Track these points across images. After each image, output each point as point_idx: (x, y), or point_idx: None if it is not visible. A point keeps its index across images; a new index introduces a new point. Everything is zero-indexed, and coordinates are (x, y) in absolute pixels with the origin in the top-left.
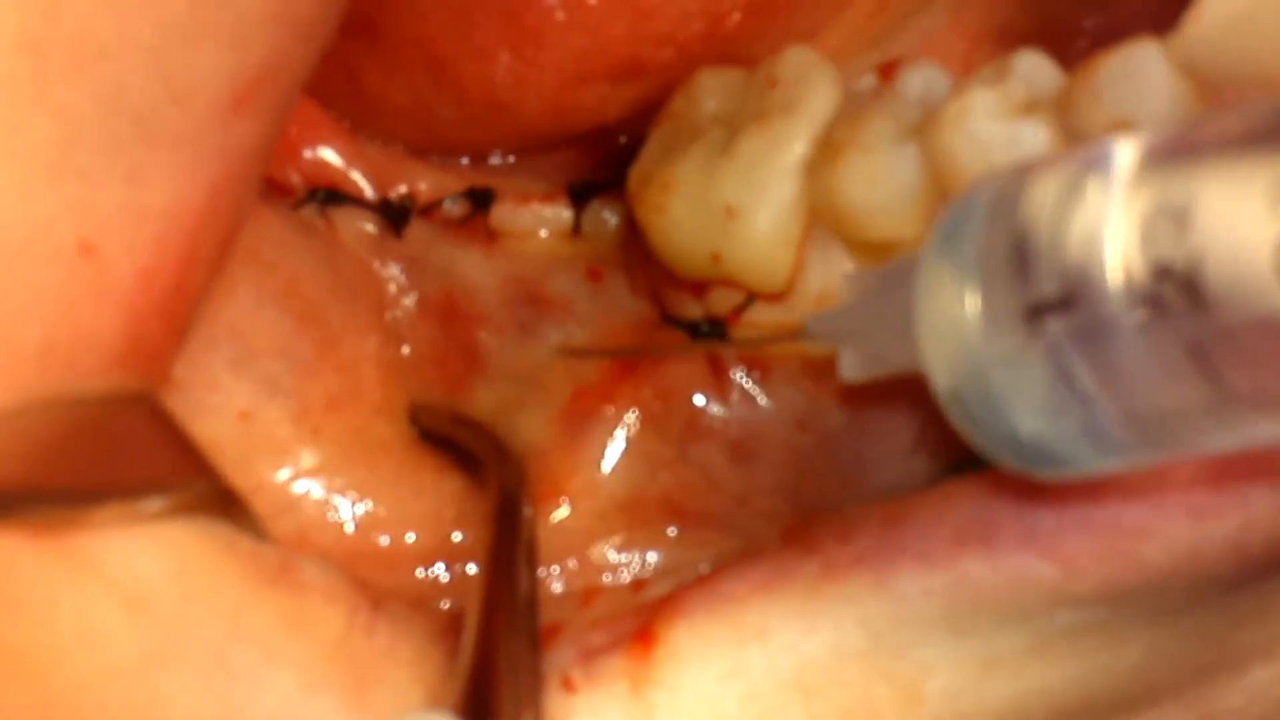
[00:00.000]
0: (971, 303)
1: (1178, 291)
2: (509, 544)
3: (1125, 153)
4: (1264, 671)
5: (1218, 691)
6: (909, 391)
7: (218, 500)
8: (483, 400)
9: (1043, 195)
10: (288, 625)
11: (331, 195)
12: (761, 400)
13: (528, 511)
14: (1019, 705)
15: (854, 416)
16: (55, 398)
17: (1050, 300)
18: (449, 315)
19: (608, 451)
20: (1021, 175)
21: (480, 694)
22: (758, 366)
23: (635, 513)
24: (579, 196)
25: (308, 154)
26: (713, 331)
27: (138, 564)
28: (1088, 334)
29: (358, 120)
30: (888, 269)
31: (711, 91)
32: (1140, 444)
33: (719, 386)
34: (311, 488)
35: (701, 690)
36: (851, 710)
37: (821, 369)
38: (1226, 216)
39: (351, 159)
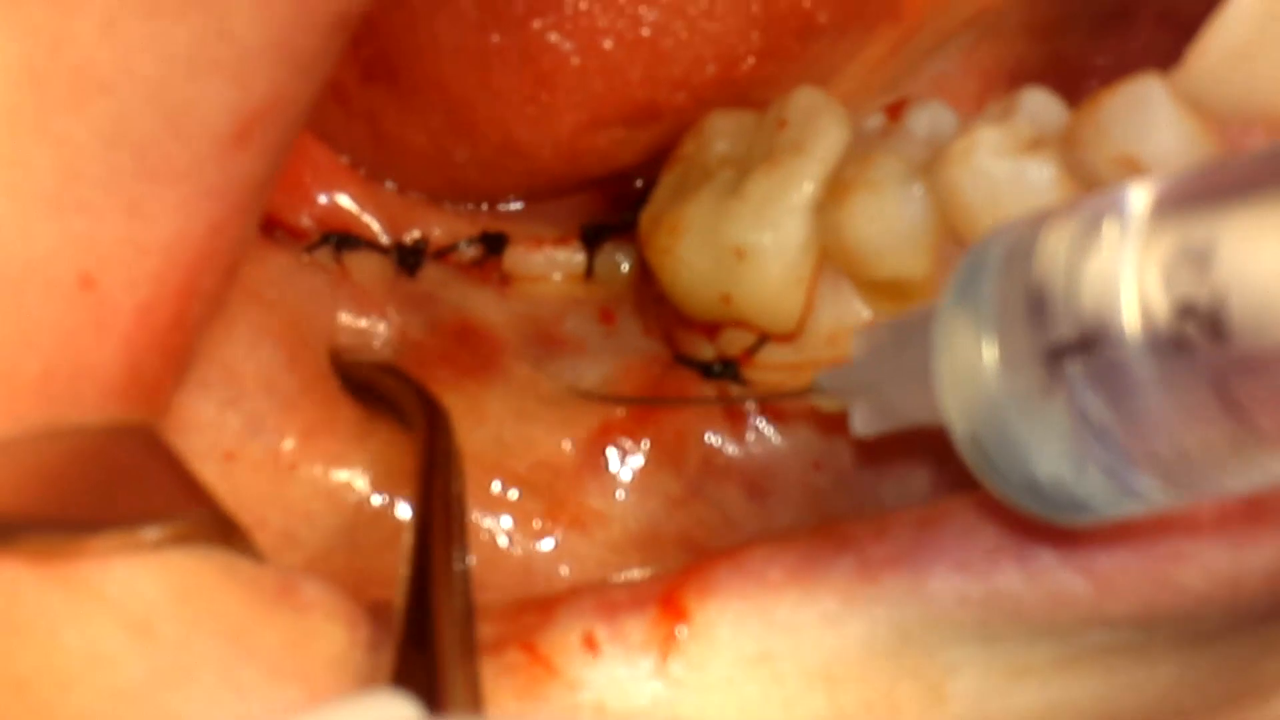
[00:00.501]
0: (989, 349)
1: (1201, 329)
2: (440, 502)
3: (1140, 195)
4: None
5: (1246, 716)
6: (925, 434)
7: (216, 528)
8: (494, 404)
9: (1058, 241)
10: (291, 644)
11: (345, 240)
12: (776, 440)
13: (458, 467)
14: (1045, 715)
15: (870, 456)
16: (54, 428)
17: (1068, 343)
18: (465, 334)
19: (623, 485)
20: (1037, 222)
21: (415, 653)
22: (772, 407)
23: (650, 548)
24: (591, 240)
25: (322, 199)
26: (725, 372)
27: (141, 588)
28: (1107, 376)
29: (375, 165)
30: (899, 323)
31: (722, 133)
32: (1164, 487)
33: (734, 426)
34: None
35: (727, 671)
36: (874, 704)
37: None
38: (1250, 252)
39: (365, 204)
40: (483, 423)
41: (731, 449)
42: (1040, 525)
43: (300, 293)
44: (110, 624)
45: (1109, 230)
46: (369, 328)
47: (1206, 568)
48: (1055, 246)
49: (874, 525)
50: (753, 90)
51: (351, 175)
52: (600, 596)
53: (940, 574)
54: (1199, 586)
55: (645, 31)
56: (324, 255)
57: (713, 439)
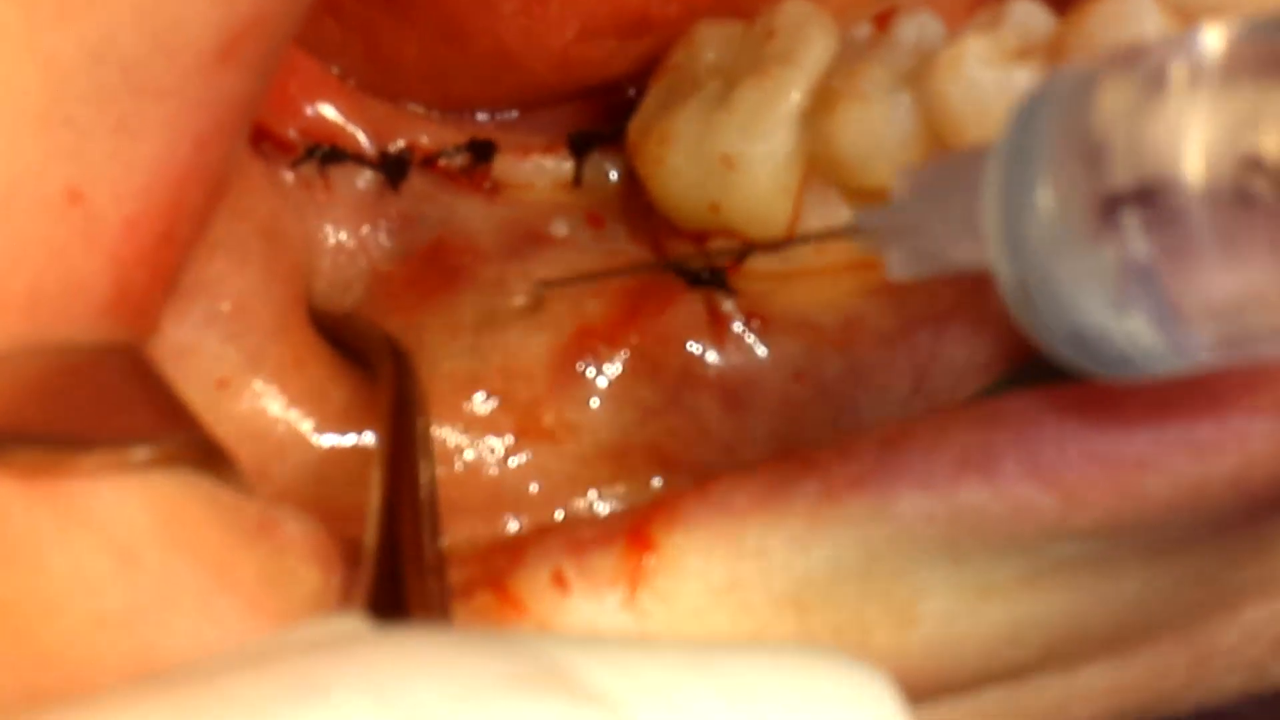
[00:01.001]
0: (1043, 192)
1: (1269, 183)
2: (405, 440)
3: (1213, 41)
4: (1259, 611)
5: (1213, 629)
6: (909, 333)
7: (202, 452)
8: (467, 312)
9: (1122, 85)
10: (269, 579)
11: (330, 153)
12: (759, 349)
13: (422, 407)
14: (1013, 632)
15: (852, 364)
16: (43, 344)
17: (1127, 190)
18: (438, 252)
19: (597, 393)
20: (1099, 66)
21: (387, 591)
22: (758, 315)
23: (620, 460)
24: (579, 148)
25: (308, 111)
26: (712, 280)
27: (126, 513)
28: (1165, 224)
29: (369, 78)
30: (944, 164)
31: (710, 43)
32: (1211, 343)
33: (717, 335)
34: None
35: (696, 602)
36: (843, 628)
37: (821, 317)
38: None
39: (351, 115)
40: (457, 335)
41: (712, 357)
42: (1004, 439)
43: (289, 222)
44: (96, 549)
45: (1176, 76)
46: (346, 253)
47: (1172, 476)
48: (1118, 90)
49: (839, 448)
50: (743, 6)
51: (339, 86)
52: (569, 535)
53: (904, 492)
54: (1163, 494)
55: None
56: (309, 169)
57: (694, 347)
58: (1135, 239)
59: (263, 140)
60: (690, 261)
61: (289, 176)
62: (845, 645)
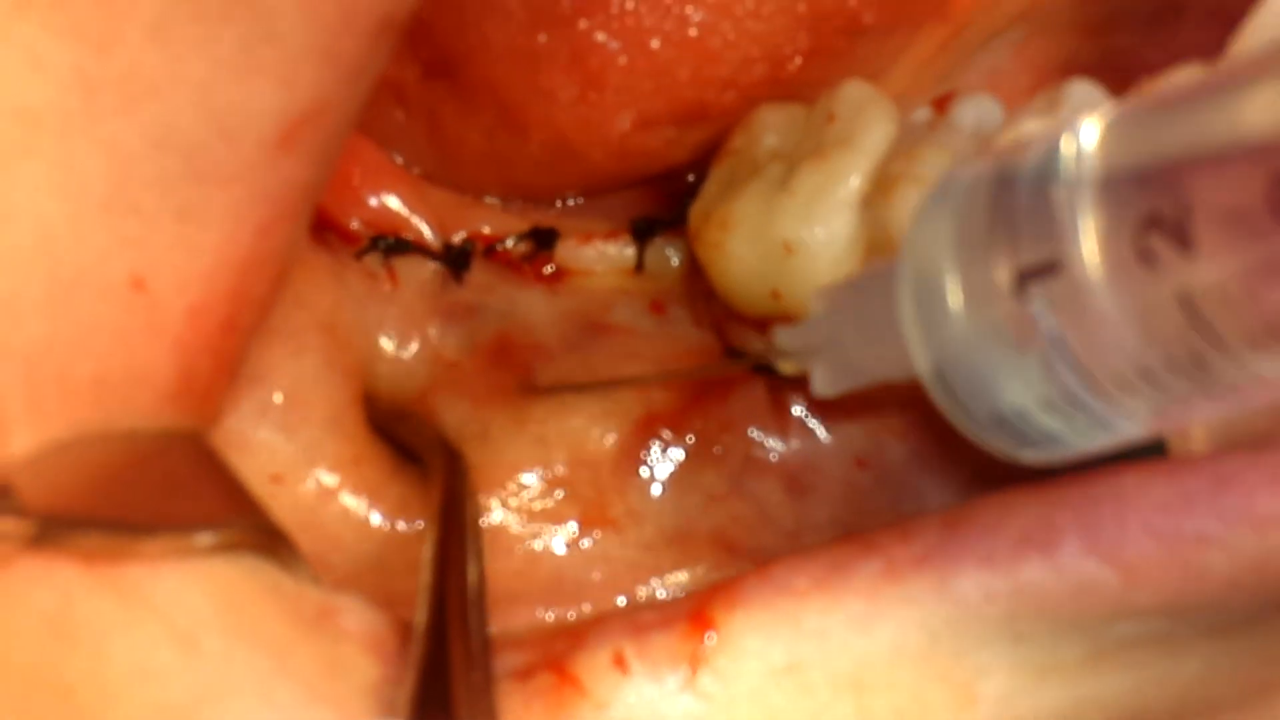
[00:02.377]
0: (952, 282)
1: (1167, 241)
2: (455, 539)
3: (1098, 117)
4: None
5: (1276, 710)
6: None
7: (266, 539)
8: (536, 407)
9: (1016, 169)
10: (328, 669)
11: (395, 245)
12: (821, 434)
13: (473, 506)
14: (1073, 712)
15: (913, 449)
16: (108, 431)
17: (1031, 268)
18: (504, 349)
19: (661, 480)
20: (995, 157)
21: (432, 701)
22: (819, 401)
23: (683, 547)
24: (642, 234)
25: (372, 201)
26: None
27: (188, 599)
28: (1071, 298)
29: (433, 166)
30: (858, 278)
31: (771, 127)
32: (1130, 412)
33: (780, 420)
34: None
35: (755, 683)
36: (904, 710)
37: (881, 405)
38: (1215, 163)
39: (414, 205)
40: (524, 426)
41: (775, 443)
42: (1064, 517)
43: (349, 316)
44: (158, 635)
45: (1066, 151)
46: (410, 342)
47: (1233, 552)
48: (1013, 175)
49: (900, 530)
50: (802, 89)
51: (402, 176)
52: (630, 618)
53: (966, 571)
54: (1224, 571)
55: (692, 32)
56: (373, 260)
57: (756, 433)
58: (1043, 317)
59: (326, 230)
60: (751, 348)
61: (352, 268)
62: None
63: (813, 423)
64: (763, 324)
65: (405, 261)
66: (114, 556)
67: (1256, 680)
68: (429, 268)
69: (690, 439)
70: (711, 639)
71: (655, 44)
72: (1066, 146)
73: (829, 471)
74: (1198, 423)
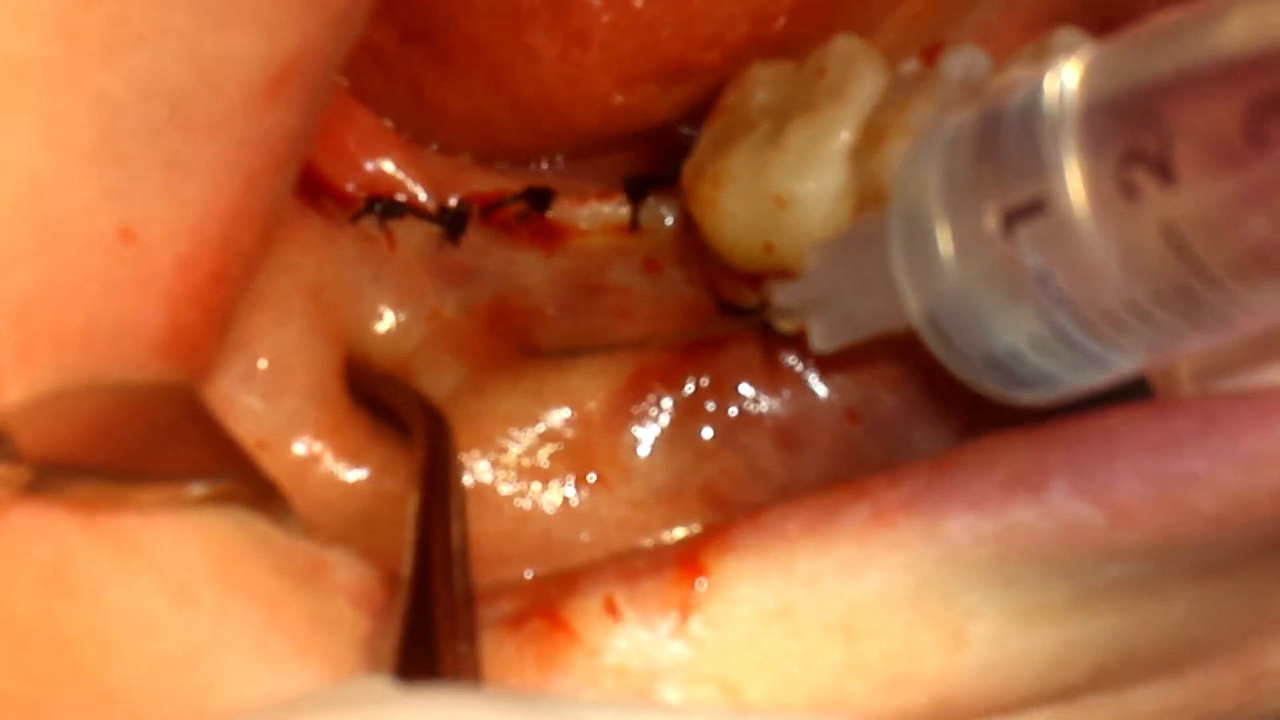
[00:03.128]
0: (941, 228)
1: (1150, 173)
2: (439, 499)
3: (1079, 59)
4: None
5: (1263, 651)
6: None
7: (258, 492)
8: (525, 367)
9: (1002, 113)
10: (319, 623)
11: (390, 206)
12: (813, 388)
13: (456, 466)
14: (1062, 655)
15: (904, 400)
16: (100, 382)
17: (1017, 209)
18: (501, 312)
19: (652, 436)
20: (980, 102)
21: (418, 654)
22: (811, 354)
23: (673, 503)
24: (635, 193)
25: (368, 166)
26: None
27: (183, 553)
28: (1058, 236)
29: (418, 129)
30: (850, 232)
31: (762, 83)
32: (1120, 348)
33: (771, 374)
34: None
35: (747, 629)
36: (894, 653)
37: (873, 357)
38: (1193, 93)
39: (409, 169)
40: (519, 381)
41: (767, 398)
42: (1055, 460)
43: (342, 281)
44: (154, 587)
45: (1049, 90)
46: (407, 302)
47: (1219, 490)
48: (997, 118)
49: (889, 475)
50: (787, 47)
51: (396, 139)
52: (621, 563)
53: (954, 513)
54: (1211, 509)
55: None
56: (370, 224)
57: (748, 388)
58: (1031, 257)
59: (321, 195)
60: (745, 303)
61: (346, 230)
62: (895, 670)
63: (805, 376)
64: (757, 279)
65: (401, 225)
66: (108, 505)
67: (1242, 624)
68: (425, 230)
69: (682, 395)
70: (702, 584)
71: (638, 2)
72: (1050, 85)
73: (821, 424)
74: (1188, 355)
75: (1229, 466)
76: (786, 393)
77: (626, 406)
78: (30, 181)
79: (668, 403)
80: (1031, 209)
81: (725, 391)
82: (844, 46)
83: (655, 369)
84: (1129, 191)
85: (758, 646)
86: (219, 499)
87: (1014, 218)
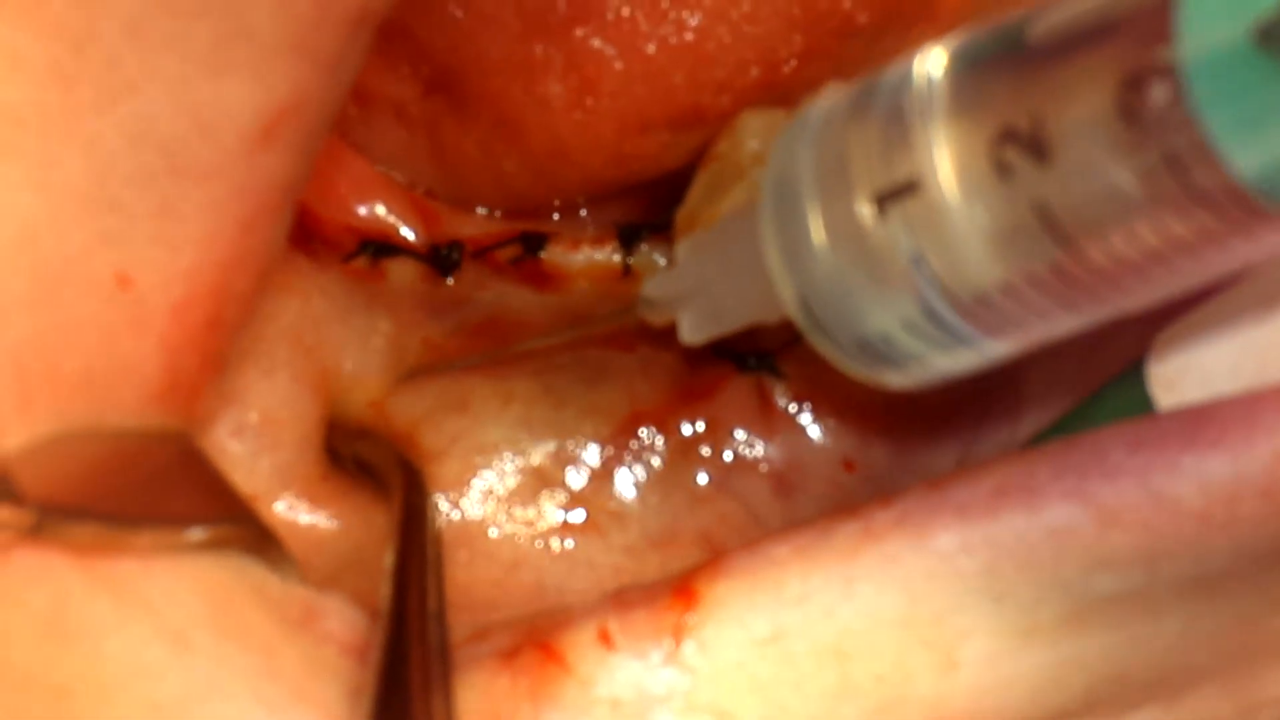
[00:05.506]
0: (813, 212)
1: (1022, 152)
2: (415, 561)
3: (945, 43)
4: None
5: (1259, 678)
6: (953, 424)
7: (253, 538)
8: (521, 383)
9: (871, 94)
10: (313, 670)
11: (382, 247)
12: (808, 432)
13: (433, 526)
14: (1054, 676)
15: (898, 447)
16: (98, 428)
17: (887, 190)
18: (491, 326)
19: (646, 480)
20: (850, 87)
21: (393, 707)
22: (806, 398)
23: (668, 549)
24: (628, 240)
25: (361, 210)
26: (761, 364)
27: (181, 599)
28: (930, 215)
29: (433, 182)
30: (720, 222)
31: (754, 132)
32: (992, 329)
33: (766, 419)
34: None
35: (739, 655)
36: (886, 676)
37: (868, 400)
38: (1064, 68)
39: (404, 214)
40: (509, 405)
41: (761, 444)
42: (1044, 467)
43: (323, 319)
44: (151, 632)
45: (918, 69)
46: (399, 331)
47: (1204, 482)
48: (868, 99)
49: (883, 498)
50: (794, 91)
51: (389, 186)
52: (617, 595)
53: (943, 523)
54: (1197, 504)
55: (688, 36)
56: (362, 263)
57: (743, 433)
58: (903, 238)
59: (313, 240)
60: (737, 347)
61: (335, 269)
62: (888, 694)
63: (800, 423)
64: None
65: (393, 264)
66: (104, 549)
67: (1235, 646)
68: (416, 269)
69: (677, 438)
70: (694, 610)
71: (651, 49)
72: (919, 65)
73: (816, 472)
74: (1062, 337)
75: (1215, 461)
76: (781, 440)
77: (619, 450)
78: (25, 228)
79: (661, 445)
80: (903, 190)
81: (720, 436)
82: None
83: (649, 411)
84: (1002, 171)
85: (750, 672)
86: (216, 545)
87: (886, 199)
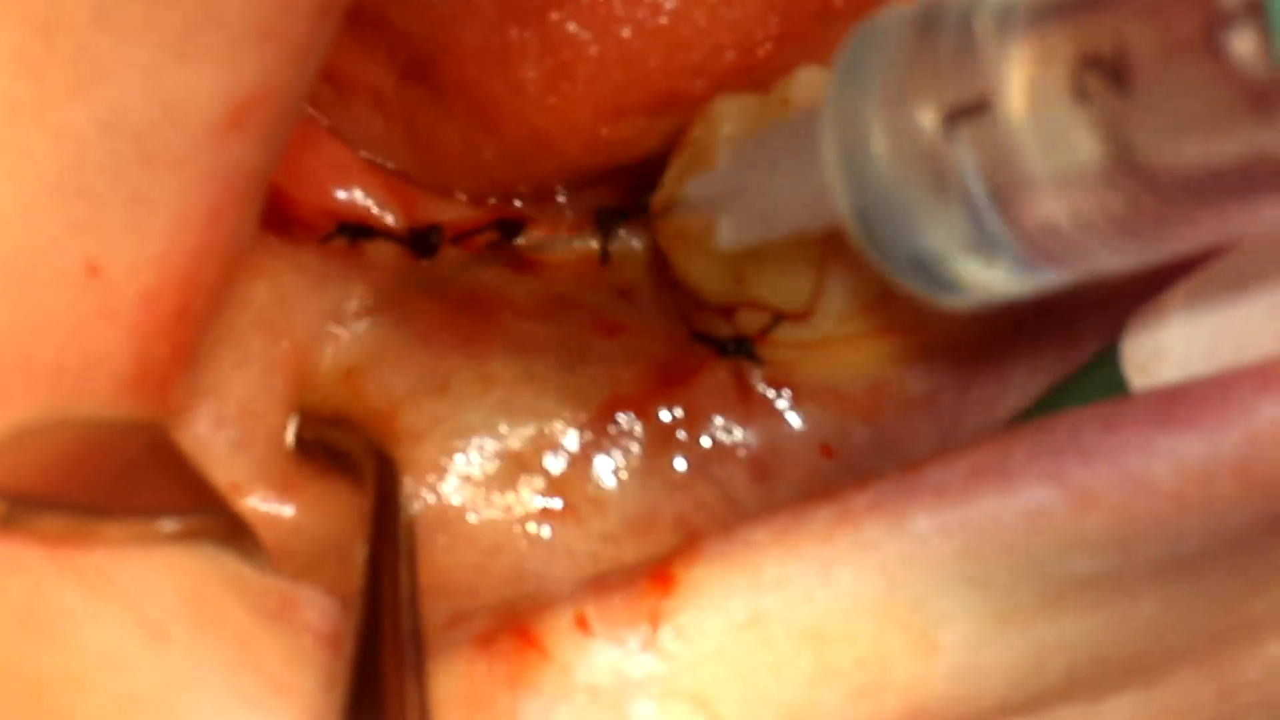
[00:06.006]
0: (876, 122)
1: (1102, 78)
2: (388, 550)
3: None
4: None
5: (1237, 661)
6: (933, 410)
7: (227, 529)
8: (500, 367)
9: (946, 9)
10: (289, 660)
11: (359, 229)
12: (787, 419)
13: (406, 516)
14: (1033, 659)
15: (878, 432)
16: (70, 419)
17: (959, 106)
18: (471, 301)
19: (625, 466)
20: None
21: (365, 702)
22: (785, 384)
23: (646, 535)
24: (605, 225)
25: (339, 194)
26: (740, 349)
27: (155, 589)
28: (999, 136)
29: (412, 168)
30: (771, 127)
31: (728, 116)
32: (1055, 256)
33: (745, 404)
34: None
35: (717, 640)
36: (865, 660)
37: (847, 385)
38: None
39: (382, 199)
40: (490, 388)
41: (740, 429)
42: (1020, 449)
43: (296, 301)
44: (127, 624)
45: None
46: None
47: (1178, 460)
48: (939, 11)
49: (860, 481)
50: (770, 76)
51: (368, 170)
52: (594, 581)
53: (919, 505)
54: (1171, 483)
55: (663, 20)
56: (339, 243)
57: (721, 419)
58: (968, 157)
59: (291, 225)
60: (717, 333)
61: (311, 251)
62: (867, 679)
63: (779, 404)
64: (728, 310)
65: (372, 245)
66: (76, 539)
67: (1213, 628)
68: (395, 250)
69: (655, 424)
70: (671, 595)
71: (626, 33)
72: None
73: (795, 457)
74: (1122, 269)
75: (1189, 441)
76: (760, 425)
77: (599, 434)
78: None
79: (640, 431)
80: (973, 108)
81: (698, 421)
82: (808, 77)
83: (627, 398)
84: (1079, 96)
85: (728, 657)
86: (189, 536)
87: (954, 115)
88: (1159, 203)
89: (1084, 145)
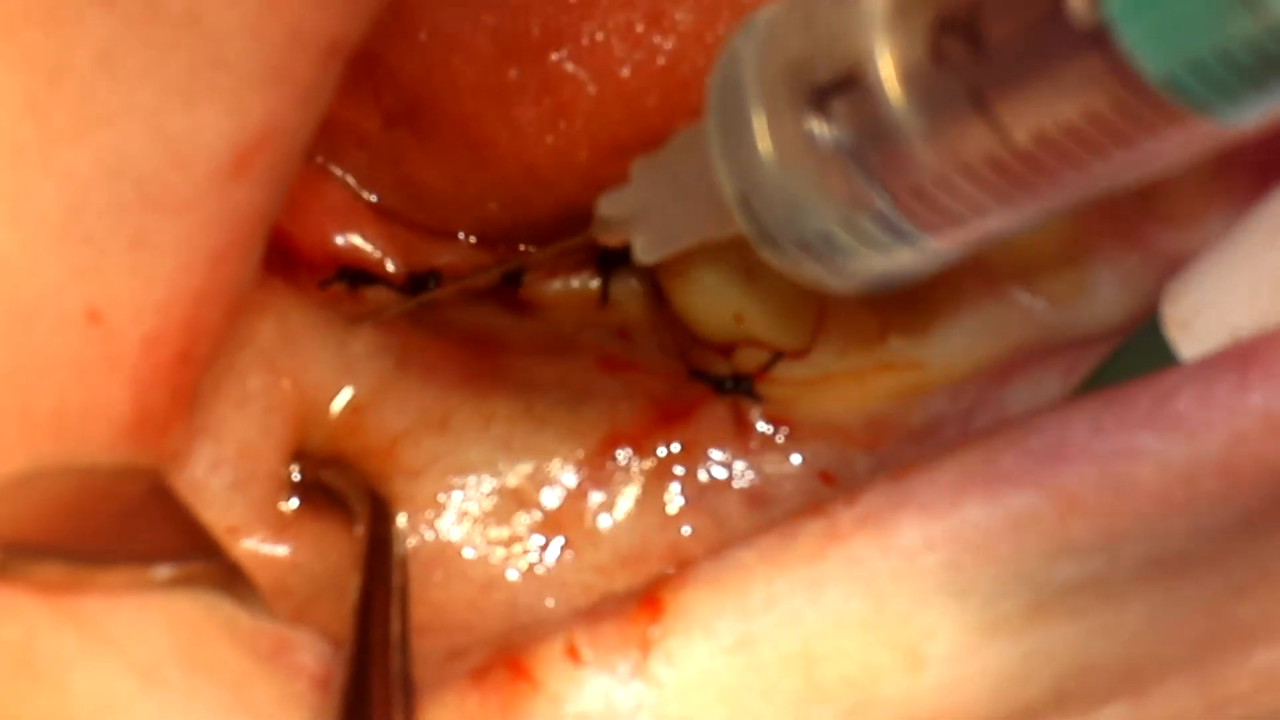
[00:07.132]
0: (755, 108)
1: (958, 40)
2: (379, 591)
3: None
4: (1271, 654)
5: (1226, 672)
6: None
7: (222, 574)
8: (502, 405)
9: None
10: (283, 704)
11: (359, 275)
12: (786, 455)
13: (399, 556)
14: (1021, 670)
15: (880, 462)
16: (68, 465)
17: (827, 86)
18: (473, 339)
19: (621, 501)
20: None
21: None
22: (784, 421)
23: (638, 567)
24: (606, 266)
25: (339, 239)
26: (738, 387)
27: (148, 634)
28: (869, 112)
29: (401, 208)
30: (672, 141)
31: None
32: (932, 227)
33: (743, 440)
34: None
35: (706, 665)
36: (853, 679)
37: (847, 420)
38: None
39: (382, 243)
40: (490, 425)
41: (738, 464)
42: (1006, 455)
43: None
44: (119, 669)
45: None
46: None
47: (1162, 461)
48: (811, 2)
49: (848, 494)
50: None
51: (367, 213)
52: (585, 610)
53: (906, 519)
54: (1155, 484)
55: (661, 60)
56: (339, 289)
57: (719, 454)
58: (843, 133)
59: (292, 267)
60: (716, 371)
61: (313, 296)
62: (856, 697)
63: (778, 441)
64: (728, 348)
65: (371, 289)
66: (72, 587)
67: (1203, 634)
68: (395, 296)
69: (653, 459)
70: (660, 622)
71: (624, 72)
72: None
73: (793, 487)
74: (999, 234)
75: (1173, 441)
76: (758, 457)
77: (597, 469)
78: None
79: (637, 467)
80: (843, 83)
81: (696, 456)
82: None
83: (627, 433)
84: (939, 60)
85: (718, 682)
86: (185, 581)
87: (827, 93)
88: (1020, 162)
89: (945, 108)
